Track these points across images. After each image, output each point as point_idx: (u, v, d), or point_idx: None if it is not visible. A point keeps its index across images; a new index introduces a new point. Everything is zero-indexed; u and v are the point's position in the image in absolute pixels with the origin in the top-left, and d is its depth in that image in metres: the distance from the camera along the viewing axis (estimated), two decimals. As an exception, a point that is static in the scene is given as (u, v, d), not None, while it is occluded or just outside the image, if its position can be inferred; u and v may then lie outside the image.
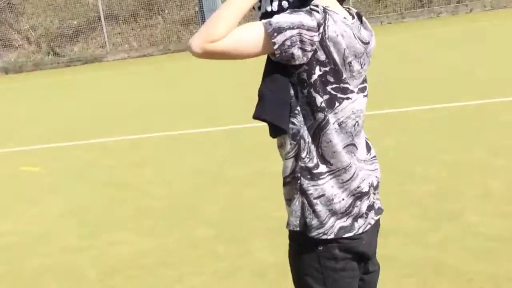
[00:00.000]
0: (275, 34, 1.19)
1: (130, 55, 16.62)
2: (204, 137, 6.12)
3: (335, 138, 1.30)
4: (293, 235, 1.38)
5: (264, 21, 1.22)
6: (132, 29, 17.68)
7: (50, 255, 3.38)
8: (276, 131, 1.32)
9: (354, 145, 1.34)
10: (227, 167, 4.89)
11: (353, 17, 1.34)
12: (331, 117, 1.28)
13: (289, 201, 1.36)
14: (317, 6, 1.24)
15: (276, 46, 1.19)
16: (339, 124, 1.30)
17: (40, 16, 18.43)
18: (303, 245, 1.36)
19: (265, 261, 2.97)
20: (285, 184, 1.36)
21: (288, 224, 1.36)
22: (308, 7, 1.24)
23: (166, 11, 17.57)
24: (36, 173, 5.61)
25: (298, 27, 1.19)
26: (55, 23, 18.14)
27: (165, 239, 3.48)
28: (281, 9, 1.28)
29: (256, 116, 1.30)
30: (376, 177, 1.42)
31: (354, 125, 1.33)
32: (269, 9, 1.30)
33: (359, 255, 1.36)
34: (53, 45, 17.97)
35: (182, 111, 7.57)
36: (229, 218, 3.72)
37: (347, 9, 1.35)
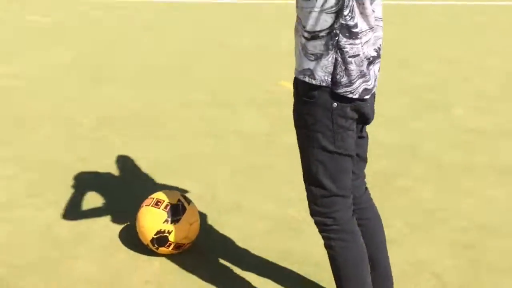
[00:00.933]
0: None
1: None
2: (211, 7, 6.01)
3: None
4: (309, 90, 1.38)
5: None
6: None
7: (50, 102, 3.48)
8: None
9: (375, 15, 1.35)
10: (230, 38, 4.86)
11: None
12: None
13: (314, 55, 1.34)
14: None
15: None
16: None
17: None
18: (319, 103, 1.36)
19: (255, 129, 3.10)
20: (315, 38, 1.33)
21: (311, 77, 1.35)
22: None
23: None
24: (44, 23, 5.60)
25: None
26: None
27: (160, 98, 3.58)
28: None
29: None
30: (380, 44, 1.42)
31: None
32: None
33: (364, 116, 1.42)
34: None
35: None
36: (224, 86, 3.80)
37: None
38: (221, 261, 1.88)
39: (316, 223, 1.45)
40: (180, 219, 1.84)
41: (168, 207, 1.84)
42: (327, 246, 1.44)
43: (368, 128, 1.50)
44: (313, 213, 1.44)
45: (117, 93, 3.63)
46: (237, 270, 1.83)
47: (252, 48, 4.69)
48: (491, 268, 1.87)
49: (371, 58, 1.36)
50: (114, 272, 1.81)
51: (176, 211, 1.85)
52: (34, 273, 1.79)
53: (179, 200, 1.88)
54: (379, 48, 1.40)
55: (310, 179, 1.42)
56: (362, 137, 1.51)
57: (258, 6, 6.26)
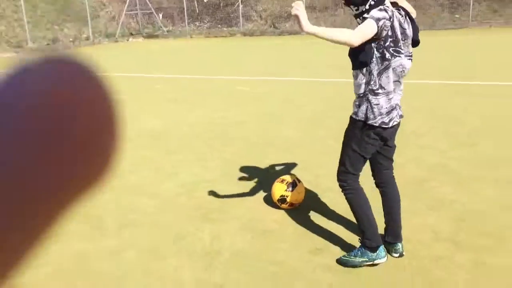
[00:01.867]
0: (377, 22, 2.42)
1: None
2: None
3: (391, 75, 2.62)
4: (354, 121, 2.63)
5: (370, 17, 2.42)
6: (324, 16, 23.07)
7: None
8: (357, 65, 2.68)
9: (399, 81, 2.70)
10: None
11: (399, 11, 2.65)
12: (391, 64, 2.60)
13: (358, 105, 2.61)
14: (387, 6, 2.58)
15: (378, 29, 2.41)
16: (393, 69, 2.62)
17: (269, 3, 26.39)
18: (358, 126, 2.61)
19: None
20: (358, 97, 2.61)
21: (356, 115, 2.61)
22: (382, 6, 2.55)
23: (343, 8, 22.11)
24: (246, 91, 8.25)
25: (383, 18, 2.43)
26: (277, 8, 25.89)
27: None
28: (369, 7, 2.56)
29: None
30: (399, 100, 2.75)
31: (401, 71, 2.67)
32: (362, 8, 2.61)
33: (383, 138, 2.70)
34: (275, 21, 25.71)
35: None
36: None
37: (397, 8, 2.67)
38: (314, 214, 3.53)
39: (339, 185, 2.80)
40: (293, 190, 3.58)
41: (287, 183, 3.62)
42: (345, 197, 2.80)
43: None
44: (338, 179, 2.80)
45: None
46: (323, 221, 3.46)
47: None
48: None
49: (389, 107, 2.61)
50: (267, 217, 3.64)
51: (292, 185, 3.60)
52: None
53: (294, 180, 3.64)
54: (398, 99, 2.65)
55: (341, 162, 2.77)
56: (389, 146, 2.78)
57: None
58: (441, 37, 15.63)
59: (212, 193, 3.91)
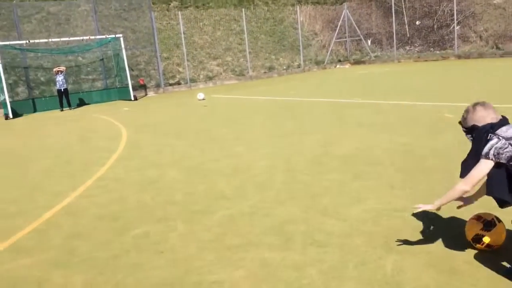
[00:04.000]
0: (494, 157, 2.63)
1: None
2: None
3: None
4: None
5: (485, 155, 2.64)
6: None
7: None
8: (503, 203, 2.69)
9: None
10: None
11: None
12: None
13: None
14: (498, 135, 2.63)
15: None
16: None
17: (492, 22, 24.22)
18: None
19: None
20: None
21: None
22: (496, 136, 2.64)
23: None
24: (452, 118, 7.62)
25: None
26: (501, 26, 23.70)
27: None
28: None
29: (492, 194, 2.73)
30: None
31: None
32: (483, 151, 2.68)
33: None
34: (497, 42, 23.54)
35: None
36: None
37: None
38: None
39: None
40: (491, 230, 3.22)
41: (484, 221, 3.27)
42: None
43: None
44: None
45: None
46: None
47: None
48: None
49: None
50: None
51: (490, 224, 3.24)
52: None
53: (492, 218, 3.27)
54: None
55: None
56: None
57: None
58: None
59: (399, 223, 3.81)
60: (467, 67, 18.63)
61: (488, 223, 3.20)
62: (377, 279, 3.01)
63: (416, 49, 27.20)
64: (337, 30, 28.14)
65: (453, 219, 3.82)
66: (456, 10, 24.73)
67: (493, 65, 18.21)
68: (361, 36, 28.28)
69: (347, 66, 27.17)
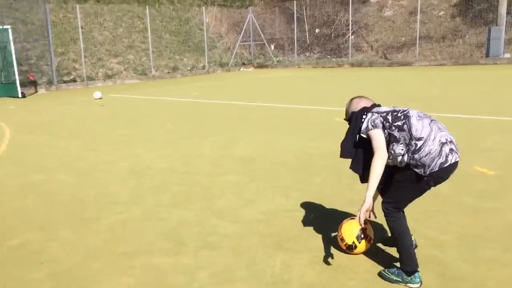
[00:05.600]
0: (373, 127, 2.90)
1: (430, 63, 22.44)
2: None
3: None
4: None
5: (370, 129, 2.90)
6: (440, 46, 23.67)
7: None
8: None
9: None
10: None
11: None
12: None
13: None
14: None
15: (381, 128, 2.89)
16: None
17: (382, 33, 26.35)
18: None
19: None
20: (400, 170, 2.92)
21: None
22: (370, 112, 2.98)
23: (467, 36, 23.25)
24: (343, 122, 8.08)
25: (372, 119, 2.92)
26: (390, 38, 25.81)
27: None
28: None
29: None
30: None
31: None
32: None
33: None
34: (386, 52, 25.39)
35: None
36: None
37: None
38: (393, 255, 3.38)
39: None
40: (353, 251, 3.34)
41: (346, 245, 3.22)
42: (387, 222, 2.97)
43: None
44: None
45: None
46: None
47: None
48: None
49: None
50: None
51: (351, 248, 3.28)
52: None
53: (353, 242, 3.20)
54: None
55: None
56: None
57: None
58: None
59: (290, 223, 3.94)
60: (359, 75, 19.99)
61: (350, 247, 3.29)
62: (265, 279, 3.08)
63: (315, 55, 28.59)
64: (242, 34, 28.57)
65: (337, 219, 4.04)
66: (351, 21, 26.44)
67: (381, 73, 19.76)
68: (265, 41, 29.03)
69: (251, 69, 27.70)
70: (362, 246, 3.27)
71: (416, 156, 2.78)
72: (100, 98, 14.71)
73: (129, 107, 12.91)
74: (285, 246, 3.56)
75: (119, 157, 6.81)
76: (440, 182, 2.87)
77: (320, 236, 3.70)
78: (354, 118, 3.05)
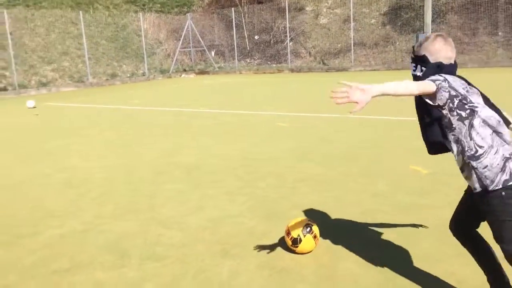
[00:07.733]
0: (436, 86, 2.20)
1: (365, 69, 23.47)
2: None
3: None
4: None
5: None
6: (373, 53, 24.77)
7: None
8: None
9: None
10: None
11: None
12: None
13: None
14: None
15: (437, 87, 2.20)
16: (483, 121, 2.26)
17: (319, 40, 27.00)
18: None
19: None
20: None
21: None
22: (443, 77, 2.24)
23: (397, 43, 24.50)
24: (285, 127, 8.21)
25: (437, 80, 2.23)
26: (327, 44, 26.52)
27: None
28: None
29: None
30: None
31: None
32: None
33: None
34: (323, 58, 26.18)
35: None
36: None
37: None
38: (337, 254, 3.46)
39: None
40: (297, 246, 3.41)
41: (292, 238, 3.37)
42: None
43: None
44: None
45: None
46: (345, 262, 3.38)
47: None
48: None
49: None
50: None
51: (296, 241, 3.34)
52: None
53: (298, 235, 3.34)
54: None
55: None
56: None
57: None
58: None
59: (236, 229, 3.94)
60: (298, 80, 20.44)
61: (295, 240, 3.38)
62: (213, 286, 3.04)
63: (256, 61, 28.92)
64: (181, 40, 28.30)
65: (283, 223, 4.08)
66: (289, 28, 27.03)
67: (319, 79, 20.32)
68: (205, 47, 28.94)
69: (192, 75, 27.49)
70: (306, 241, 3.34)
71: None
72: (34, 107, 13.98)
73: (66, 116, 12.37)
74: (231, 252, 3.54)
75: (55, 169, 6.50)
76: None
77: (266, 240, 3.72)
78: (427, 72, 2.39)
